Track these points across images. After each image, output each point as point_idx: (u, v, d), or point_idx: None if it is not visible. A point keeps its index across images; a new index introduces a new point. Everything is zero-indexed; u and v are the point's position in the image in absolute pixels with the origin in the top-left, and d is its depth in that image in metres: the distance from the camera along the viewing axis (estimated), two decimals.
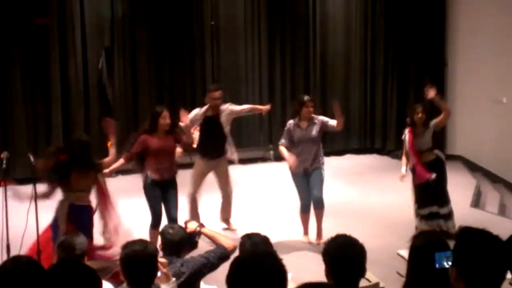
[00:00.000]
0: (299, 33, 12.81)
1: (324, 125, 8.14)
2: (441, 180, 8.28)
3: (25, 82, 11.24)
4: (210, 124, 8.49)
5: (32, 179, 6.72)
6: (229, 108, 8.61)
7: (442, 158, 8.47)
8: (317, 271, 3.92)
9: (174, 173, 7.79)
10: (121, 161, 7.62)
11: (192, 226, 5.24)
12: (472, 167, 12.08)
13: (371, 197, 10.22)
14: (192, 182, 8.58)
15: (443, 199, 8.28)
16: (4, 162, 6.73)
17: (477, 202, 10.38)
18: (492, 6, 11.51)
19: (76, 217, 6.75)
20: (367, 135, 13.42)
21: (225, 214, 8.83)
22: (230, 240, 5.28)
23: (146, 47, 11.92)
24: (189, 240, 5.16)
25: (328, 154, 12.94)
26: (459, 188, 10.73)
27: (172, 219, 7.54)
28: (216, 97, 8.46)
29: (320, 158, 8.15)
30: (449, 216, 8.25)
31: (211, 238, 5.36)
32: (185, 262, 4.89)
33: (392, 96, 13.16)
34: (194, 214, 8.48)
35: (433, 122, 8.31)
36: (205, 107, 8.52)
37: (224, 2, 12.28)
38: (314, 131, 8.07)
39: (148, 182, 7.65)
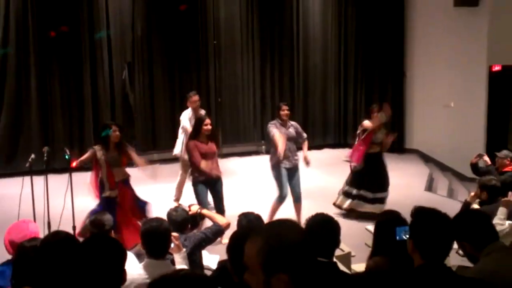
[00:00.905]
0: (286, 50, 12.79)
1: (298, 131, 7.99)
2: (377, 171, 8.30)
3: (63, 90, 11.20)
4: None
5: (67, 169, 6.75)
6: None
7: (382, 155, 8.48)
8: None
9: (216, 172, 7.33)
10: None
11: (194, 208, 5.27)
12: (426, 159, 12.11)
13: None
14: (182, 166, 8.62)
15: (377, 186, 8.28)
16: (45, 155, 6.76)
17: (430, 187, 10.41)
18: (444, 26, 11.52)
19: None
20: (341, 132, 13.42)
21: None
22: (224, 219, 5.32)
23: (161, 62, 11.88)
24: (193, 219, 5.18)
25: (309, 148, 13.00)
26: (416, 176, 10.79)
27: (220, 210, 7.20)
28: (196, 100, 8.62)
29: (296, 157, 7.96)
30: (381, 200, 8.26)
31: (209, 217, 5.39)
32: (187, 237, 4.91)
33: (361, 101, 13.17)
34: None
35: (382, 135, 8.38)
36: (189, 110, 8.59)
37: (224, 25, 12.24)
38: (293, 131, 7.96)
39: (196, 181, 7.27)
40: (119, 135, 7.00)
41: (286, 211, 7.95)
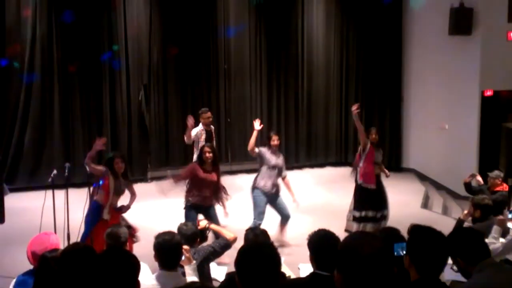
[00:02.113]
0: (291, 74, 12.82)
1: (283, 164, 7.87)
2: (380, 191, 8.19)
3: (83, 110, 11.27)
4: (207, 135, 8.56)
5: (87, 183, 6.76)
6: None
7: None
8: (303, 257, 3.91)
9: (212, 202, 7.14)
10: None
11: (203, 223, 5.27)
12: (422, 177, 12.07)
13: (344, 199, 10.16)
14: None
15: (380, 205, 8.15)
16: (66, 170, 6.78)
17: (425, 204, 10.37)
18: (439, 54, 11.55)
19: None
20: (343, 152, 13.38)
21: None
22: (231, 233, 5.29)
23: (175, 84, 11.93)
24: (202, 233, 5.17)
25: (312, 166, 13.08)
26: (412, 194, 10.74)
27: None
28: (208, 116, 8.67)
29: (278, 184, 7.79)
30: (384, 218, 8.12)
31: (217, 232, 5.38)
32: (197, 250, 4.90)
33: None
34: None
35: (381, 155, 8.33)
36: (200, 126, 8.59)
37: (234, 51, 12.30)
38: (281, 162, 7.86)
39: (187, 204, 7.11)
40: (122, 167, 6.71)
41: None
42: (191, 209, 7.05)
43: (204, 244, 5.20)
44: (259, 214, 7.65)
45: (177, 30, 11.75)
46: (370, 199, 8.09)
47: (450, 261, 3.13)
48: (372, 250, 2.03)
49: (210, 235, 5.46)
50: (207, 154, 6.96)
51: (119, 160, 6.67)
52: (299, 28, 12.71)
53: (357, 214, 8.14)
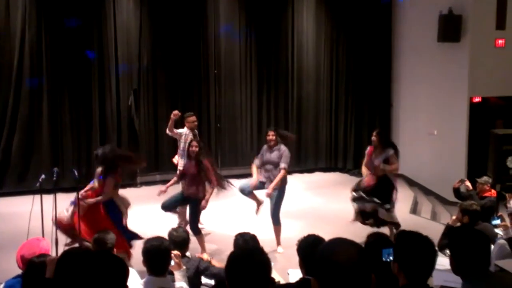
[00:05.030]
0: (281, 81, 12.84)
1: (280, 156, 7.83)
2: (387, 188, 8.00)
3: (72, 115, 11.22)
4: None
5: (75, 189, 6.74)
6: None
7: (390, 176, 8.09)
8: (293, 262, 3.92)
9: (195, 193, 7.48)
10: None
11: (205, 257, 5.25)
12: (411, 183, 12.10)
13: (333, 205, 10.22)
14: None
15: (385, 199, 8.00)
16: (55, 175, 6.74)
17: (414, 209, 10.40)
18: (428, 60, 11.62)
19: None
20: (332, 157, 13.39)
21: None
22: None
23: (165, 89, 11.92)
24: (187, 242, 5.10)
25: (301, 171, 13.10)
26: (401, 199, 10.71)
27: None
28: (193, 120, 8.73)
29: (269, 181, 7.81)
30: (389, 210, 7.96)
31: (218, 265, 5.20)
32: (190, 260, 4.85)
33: (351, 129, 13.20)
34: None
35: (387, 165, 7.95)
36: (186, 129, 8.64)
37: (224, 56, 12.30)
38: (275, 156, 7.85)
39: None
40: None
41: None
42: (180, 193, 7.64)
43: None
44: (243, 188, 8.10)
45: (167, 35, 11.74)
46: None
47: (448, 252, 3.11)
48: (348, 257, 2.01)
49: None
50: (193, 148, 7.47)
51: (194, 144, 7.48)
52: (289, 34, 12.74)
53: (357, 194, 8.08)
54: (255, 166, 8.07)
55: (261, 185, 7.91)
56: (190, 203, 7.59)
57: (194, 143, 7.59)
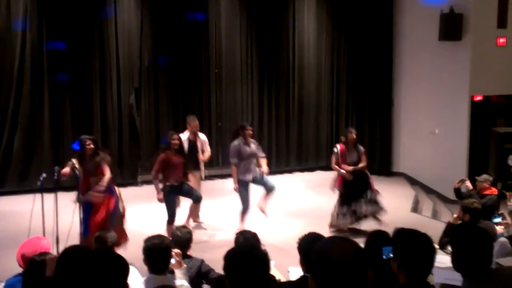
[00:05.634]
0: (282, 79, 12.84)
1: (257, 147, 8.36)
2: (364, 178, 8.44)
3: (73, 113, 11.23)
4: (191, 145, 8.70)
5: (76, 187, 6.75)
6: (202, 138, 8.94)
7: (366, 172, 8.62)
8: (293, 260, 3.92)
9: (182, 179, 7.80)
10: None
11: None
12: (412, 182, 12.11)
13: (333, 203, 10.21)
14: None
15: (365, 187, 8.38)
16: (56, 174, 6.76)
17: (415, 208, 10.39)
18: (429, 59, 11.61)
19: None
20: None
21: (195, 214, 8.85)
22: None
23: (165, 88, 11.91)
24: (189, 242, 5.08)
25: (302, 170, 13.10)
26: (402, 197, 10.78)
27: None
28: (196, 124, 8.84)
29: (257, 169, 8.27)
30: (374, 202, 8.37)
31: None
32: (192, 261, 4.82)
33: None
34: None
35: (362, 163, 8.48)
36: (187, 133, 8.76)
37: (225, 55, 12.29)
38: (254, 147, 8.27)
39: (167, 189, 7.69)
40: (93, 148, 7.24)
41: (273, 220, 7.89)
42: (170, 193, 7.67)
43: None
44: (244, 201, 8.22)
45: (168, 34, 11.73)
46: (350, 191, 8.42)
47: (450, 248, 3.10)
48: (342, 254, 2.00)
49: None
50: (176, 141, 7.69)
51: (91, 142, 7.28)
52: (290, 33, 12.73)
53: (345, 209, 8.41)
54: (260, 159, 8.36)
55: (259, 179, 8.24)
56: (184, 188, 7.86)
57: (176, 136, 7.81)
